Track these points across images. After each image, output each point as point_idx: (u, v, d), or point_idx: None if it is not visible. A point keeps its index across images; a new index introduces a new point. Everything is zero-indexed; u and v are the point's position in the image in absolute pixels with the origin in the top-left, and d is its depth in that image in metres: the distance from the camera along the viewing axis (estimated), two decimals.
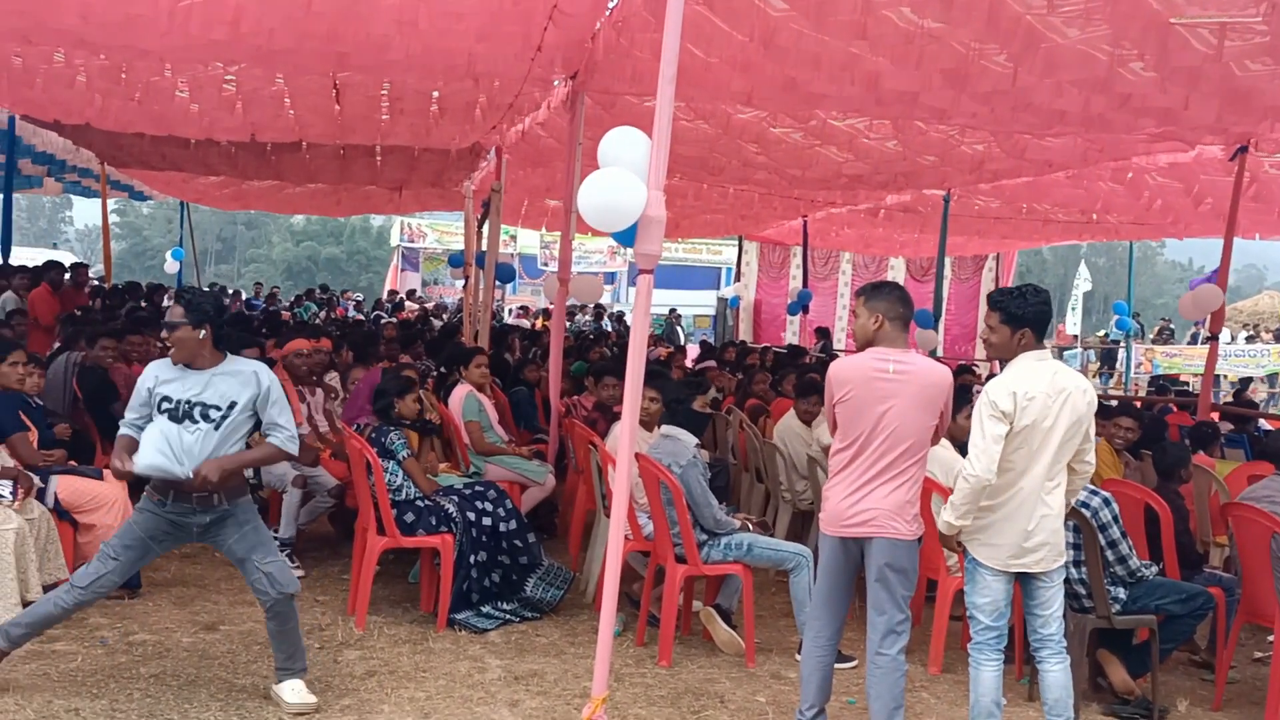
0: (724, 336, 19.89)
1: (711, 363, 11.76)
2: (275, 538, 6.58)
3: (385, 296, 27.96)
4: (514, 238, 31.81)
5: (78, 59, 8.35)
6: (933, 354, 12.78)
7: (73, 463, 5.97)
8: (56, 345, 8.85)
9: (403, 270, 35.66)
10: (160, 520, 4.44)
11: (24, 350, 6.14)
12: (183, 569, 6.44)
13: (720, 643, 5.64)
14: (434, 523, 5.76)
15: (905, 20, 5.45)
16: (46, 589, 5.27)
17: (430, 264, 35.28)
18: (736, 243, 20.91)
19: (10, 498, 5.19)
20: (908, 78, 6.21)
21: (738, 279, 20.42)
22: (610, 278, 36.04)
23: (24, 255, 20.73)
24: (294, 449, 4.57)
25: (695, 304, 28.47)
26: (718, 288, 28.76)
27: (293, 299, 24.87)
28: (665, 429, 5.78)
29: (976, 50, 5.83)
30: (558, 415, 7.96)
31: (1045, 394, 4.25)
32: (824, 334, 17.43)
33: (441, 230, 34.90)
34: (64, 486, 5.64)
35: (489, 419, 7.44)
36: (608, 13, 6.50)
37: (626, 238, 4.29)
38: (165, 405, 4.38)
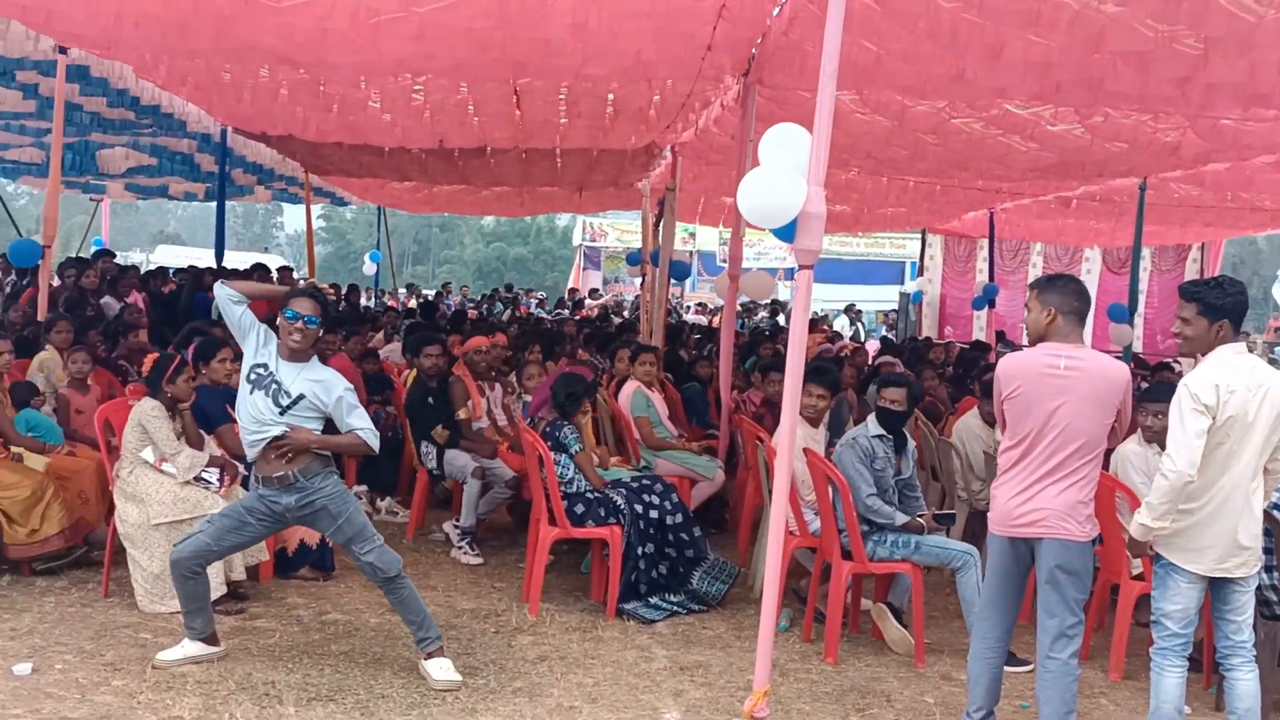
0: (906, 332, 19.50)
1: (889, 358, 11.56)
2: (456, 526, 6.91)
3: (566, 295, 28.55)
4: (693, 235, 31.93)
5: (280, 74, 8.87)
6: (1128, 350, 12.22)
7: None
8: None
9: (585, 269, 36.34)
10: (256, 500, 4.75)
11: (231, 348, 6.60)
12: None
13: (890, 641, 5.60)
14: (603, 514, 5.91)
15: (1082, 4, 5.26)
16: (249, 570, 5.69)
17: (611, 262, 35.83)
18: (920, 236, 20.46)
19: (217, 485, 5.61)
20: (1088, 64, 6.00)
21: (921, 273, 19.98)
22: (790, 274, 35.80)
23: (237, 259, 22.11)
24: (374, 444, 4.79)
25: (878, 299, 27.95)
26: (901, 282, 28.16)
27: (479, 298, 25.77)
28: (870, 419, 5.77)
29: (1167, 33, 5.57)
30: (728, 411, 8.01)
31: (1246, 388, 4.08)
32: (1001, 337, 16.81)
33: (622, 229, 35.38)
34: None
35: (658, 414, 7.56)
36: (777, 10, 6.50)
37: (786, 234, 4.32)
38: (257, 370, 4.68)
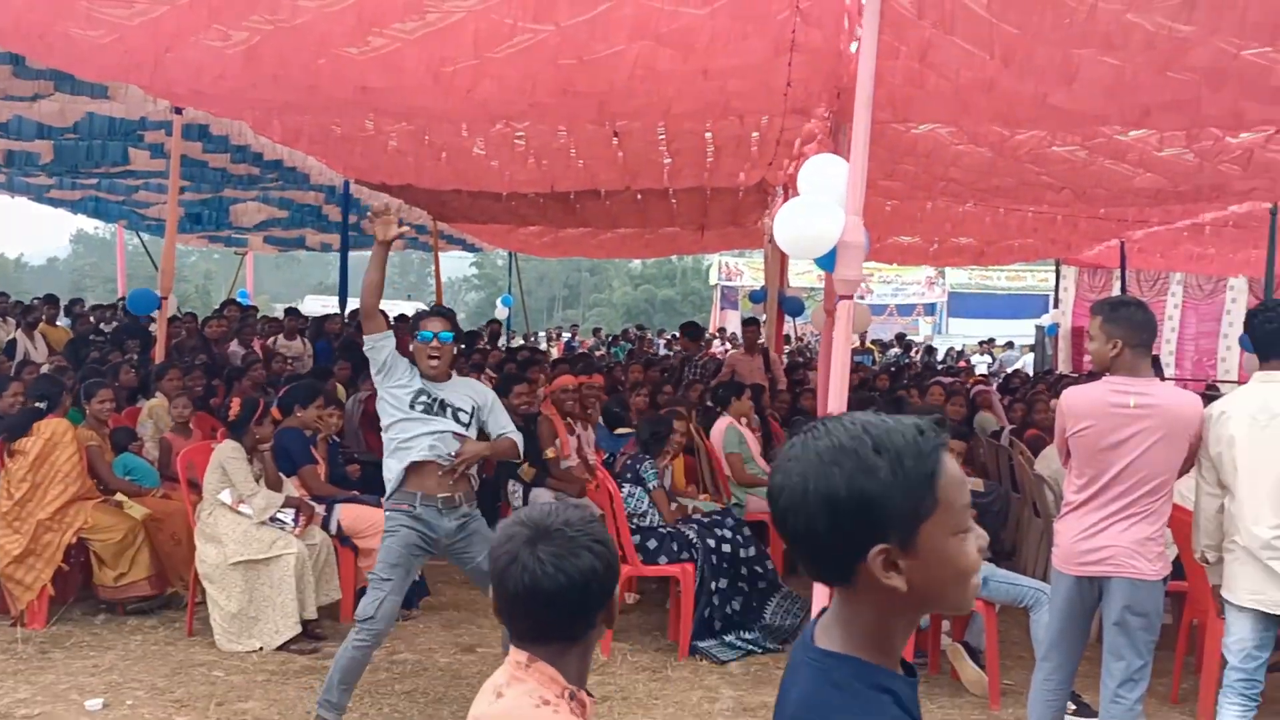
0: (1042, 365, 18.88)
1: (985, 386, 11.20)
2: None
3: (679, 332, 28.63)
4: None
5: (385, 125, 9.17)
6: None
7: (355, 492, 6.55)
8: None
9: (722, 309, 36.39)
10: (411, 532, 4.54)
11: (324, 396, 6.84)
12: (458, 594, 6.85)
13: (967, 682, 5.41)
14: (675, 549, 5.88)
15: (1156, 25, 5.05)
16: (320, 610, 5.81)
17: (748, 302, 35.77)
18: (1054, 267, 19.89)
19: (293, 525, 5.78)
20: (1173, 86, 5.74)
21: (1055, 306, 19.41)
22: (930, 309, 35.13)
23: (391, 307, 22.82)
24: (522, 444, 4.86)
25: (1017, 334, 27.29)
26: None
27: (610, 339, 26.10)
28: None
29: (1253, 51, 5.30)
30: None
31: None
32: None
33: (757, 268, 35.30)
34: (347, 514, 6.21)
35: (750, 451, 7.50)
36: (855, 45, 6.43)
37: (828, 263, 4.27)
38: (423, 399, 4.59)
